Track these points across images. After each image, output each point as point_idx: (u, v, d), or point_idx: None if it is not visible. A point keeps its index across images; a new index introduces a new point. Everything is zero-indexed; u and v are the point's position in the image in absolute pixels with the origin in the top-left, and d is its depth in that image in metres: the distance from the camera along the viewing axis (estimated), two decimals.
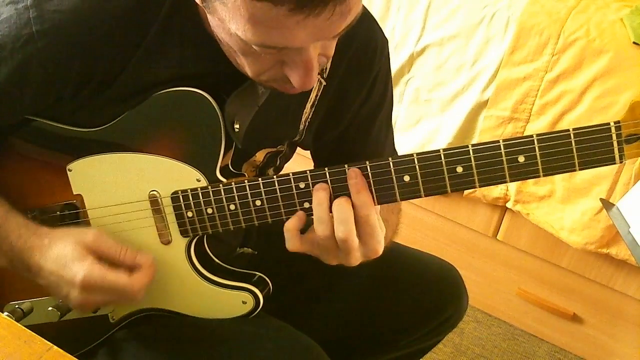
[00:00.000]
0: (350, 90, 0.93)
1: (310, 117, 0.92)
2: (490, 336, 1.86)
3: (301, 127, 0.93)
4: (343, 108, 0.94)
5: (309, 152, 1.04)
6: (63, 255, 0.77)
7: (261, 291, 0.85)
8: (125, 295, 0.78)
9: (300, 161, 1.04)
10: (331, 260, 0.78)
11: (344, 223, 0.73)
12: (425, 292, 1.06)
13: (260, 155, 0.93)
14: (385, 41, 0.95)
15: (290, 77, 0.72)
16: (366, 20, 0.91)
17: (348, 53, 0.88)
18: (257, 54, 0.69)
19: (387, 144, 1.02)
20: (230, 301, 0.85)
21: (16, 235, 0.79)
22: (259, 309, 0.86)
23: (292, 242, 0.77)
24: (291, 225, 0.77)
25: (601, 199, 1.36)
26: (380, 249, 0.76)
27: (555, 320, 1.80)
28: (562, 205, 1.56)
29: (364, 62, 0.91)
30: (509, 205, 1.66)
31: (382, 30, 0.95)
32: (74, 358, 0.61)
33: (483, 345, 1.83)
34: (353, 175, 0.74)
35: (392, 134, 1.03)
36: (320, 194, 0.75)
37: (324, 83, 0.89)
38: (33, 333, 0.63)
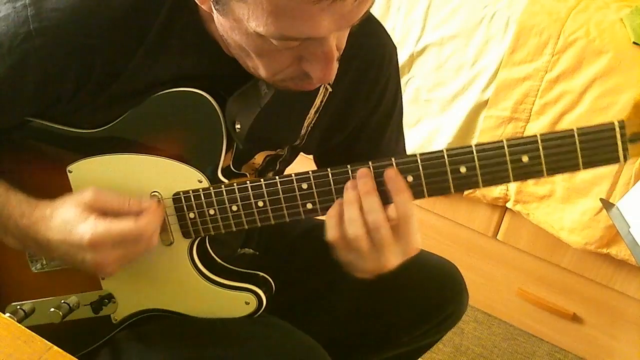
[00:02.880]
0: (358, 98, 0.92)
1: (313, 122, 0.92)
2: (490, 336, 1.86)
3: (303, 131, 0.93)
4: (350, 115, 0.94)
5: (311, 155, 1.04)
6: (66, 221, 0.75)
7: (264, 292, 0.85)
8: (138, 241, 0.75)
9: (302, 162, 1.04)
10: (367, 263, 0.75)
11: (373, 212, 0.72)
12: (425, 290, 1.06)
13: (259, 158, 0.93)
14: (394, 48, 0.94)
15: (311, 71, 0.71)
16: (374, 27, 0.91)
17: (356, 60, 0.88)
18: (274, 52, 0.69)
19: (398, 150, 1.01)
20: (232, 302, 0.85)
21: (19, 212, 0.78)
22: (261, 310, 0.86)
23: (334, 230, 0.75)
24: (333, 213, 0.75)
25: (601, 199, 1.36)
26: (417, 242, 0.74)
27: (555, 320, 1.80)
28: (562, 205, 1.57)
29: (372, 69, 0.91)
30: (509, 205, 1.66)
31: (390, 37, 0.94)
32: (74, 358, 0.61)
33: (483, 345, 1.83)
34: (392, 174, 0.73)
35: (404, 140, 1.03)
36: (350, 193, 0.73)
37: (329, 89, 0.89)
38: (33, 333, 0.63)
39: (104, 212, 0.75)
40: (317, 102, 0.90)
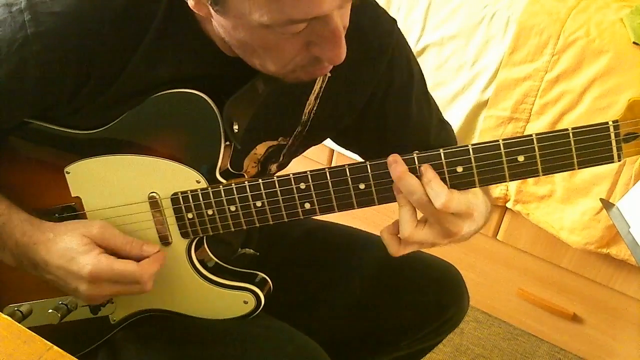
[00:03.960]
0: (362, 78, 0.91)
1: (315, 108, 0.92)
2: (490, 336, 1.86)
3: (304, 118, 0.92)
4: (356, 96, 0.92)
5: (312, 151, 1.03)
6: (69, 249, 0.77)
7: (262, 291, 0.85)
8: (134, 284, 0.78)
9: (302, 161, 1.04)
10: (450, 233, 0.76)
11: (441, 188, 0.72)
12: (426, 293, 1.06)
13: (261, 149, 0.92)
14: (392, 22, 0.92)
15: (321, 55, 0.71)
16: (369, 8, 0.90)
17: (354, 42, 0.88)
18: (281, 42, 0.68)
19: (432, 121, 0.98)
20: (231, 301, 0.85)
21: (20, 231, 0.79)
22: (260, 309, 0.86)
23: (394, 247, 0.77)
24: (387, 232, 0.77)
25: (601, 199, 1.36)
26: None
27: (555, 320, 1.80)
28: (562, 205, 1.56)
29: (373, 47, 0.90)
30: (509, 205, 1.65)
31: (387, 13, 0.93)
32: (74, 358, 0.61)
33: (483, 345, 1.83)
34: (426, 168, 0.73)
35: (434, 105, 1.00)
36: (429, 172, 0.73)
37: (328, 74, 0.88)
38: (33, 333, 0.63)
39: (107, 249, 0.78)
40: (317, 87, 0.89)
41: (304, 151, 1.00)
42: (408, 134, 0.95)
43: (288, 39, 0.69)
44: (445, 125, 1.01)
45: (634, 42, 1.42)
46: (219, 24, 0.72)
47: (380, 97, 0.92)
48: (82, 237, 0.77)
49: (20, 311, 0.86)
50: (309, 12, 0.64)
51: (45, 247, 0.78)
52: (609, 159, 0.70)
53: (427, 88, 0.98)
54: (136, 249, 0.79)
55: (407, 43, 0.95)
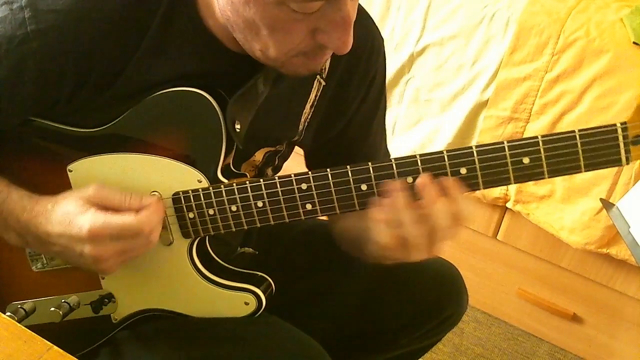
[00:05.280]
0: (349, 90, 0.92)
1: (310, 117, 0.92)
2: (490, 336, 1.86)
3: (301, 127, 0.93)
4: (342, 108, 0.94)
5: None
6: (67, 213, 0.75)
7: (264, 292, 0.85)
8: (137, 235, 0.75)
9: (301, 161, 1.04)
10: (413, 257, 0.75)
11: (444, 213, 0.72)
12: (425, 291, 1.06)
13: (259, 155, 0.93)
14: (382, 41, 0.95)
15: (329, 42, 0.71)
16: (364, 19, 0.91)
17: (347, 53, 0.88)
18: (290, 23, 0.68)
19: (382, 146, 1.02)
20: (232, 302, 0.85)
21: (20, 207, 0.78)
22: (261, 310, 0.86)
23: (387, 232, 0.74)
24: (381, 217, 0.74)
25: (601, 199, 1.36)
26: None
27: (555, 320, 1.80)
28: (562, 205, 1.56)
29: (362, 61, 0.91)
30: (509, 205, 1.66)
31: (379, 30, 0.95)
32: (74, 358, 0.61)
33: (483, 345, 1.83)
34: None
35: (386, 136, 1.03)
36: (404, 196, 0.72)
37: (323, 83, 0.89)
38: (33, 333, 0.63)
39: (105, 207, 0.76)
40: (312, 96, 0.90)
41: (291, 154, 1.01)
42: (361, 149, 0.97)
43: (297, 21, 0.68)
44: (387, 157, 1.03)
45: (634, 42, 1.43)
46: (225, 2, 0.71)
47: (352, 109, 0.94)
48: (77, 199, 0.76)
49: (24, 309, 0.86)
50: None
51: (45, 218, 0.77)
52: (617, 162, 0.68)
53: (385, 116, 1.01)
54: (135, 202, 0.77)
55: (386, 66, 0.97)
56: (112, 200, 0.76)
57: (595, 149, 0.68)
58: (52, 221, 0.76)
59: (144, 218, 0.75)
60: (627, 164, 0.68)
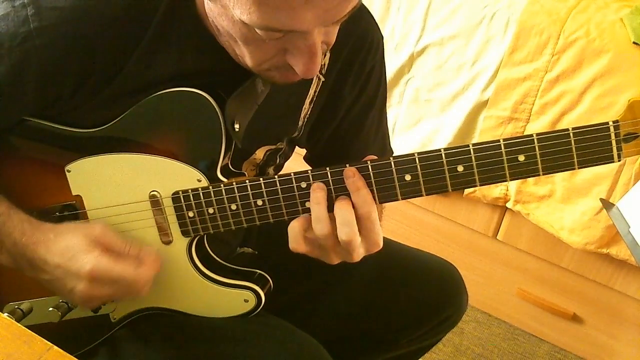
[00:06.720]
0: (345, 86, 0.93)
1: (309, 113, 0.92)
2: (490, 336, 1.86)
3: (300, 123, 0.93)
4: (338, 104, 0.94)
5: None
6: (70, 247, 0.76)
7: (263, 289, 0.85)
8: (131, 288, 0.78)
9: (301, 161, 1.04)
10: (333, 259, 0.78)
11: (347, 225, 0.73)
12: (425, 291, 1.06)
13: (260, 153, 0.93)
14: (380, 37, 0.95)
15: (294, 65, 0.71)
16: (364, 15, 0.91)
17: (345, 49, 0.88)
18: (260, 41, 0.69)
19: (376, 141, 1.01)
20: (232, 300, 0.85)
21: (19, 231, 0.79)
22: (260, 307, 0.86)
23: (296, 242, 0.77)
24: (297, 225, 0.76)
25: (601, 199, 1.36)
26: (381, 242, 0.76)
27: (555, 320, 1.80)
28: (562, 205, 1.56)
29: (359, 57, 0.91)
30: (509, 205, 1.66)
31: (378, 27, 0.94)
32: (74, 358, 0.61)
33: (483, 345, 1.83)
34: (350, 174, 0.74)
35: (385, 129, 1.03)
36: (317, 194, 0.75)
37: (322, 79, 0.89)
38: (33, 333, 0.63)
39: (107, 250, 0.78)
40: (311, 92, 0.90)
41: (293, 152, 1.01)
42: (352, 144, 0.98)
43: (266, 41, 0.69)
44: (386, 153, 1.04)
45: (634, 42, 1.43)
46: (208, 8, 0.72)
47: (347, 106, 0.94)
48: (83, 236, 0.77)
49: (21, 309, 0.86)
50: (286, 24, 0.64)
51: (45, 246, 0.78)
52: (609, 159, 0.70)
53: (385, 111, 1.01)
54: (134, 252, 0.79)
55: (385, 63, 0.97)
56: (114, 245, 0.79)
57: (588, 147, 0.69)
58: (52, 251, 0.77)
59: (142, 273, 0.78)
60: (619, 160, 0.70)
